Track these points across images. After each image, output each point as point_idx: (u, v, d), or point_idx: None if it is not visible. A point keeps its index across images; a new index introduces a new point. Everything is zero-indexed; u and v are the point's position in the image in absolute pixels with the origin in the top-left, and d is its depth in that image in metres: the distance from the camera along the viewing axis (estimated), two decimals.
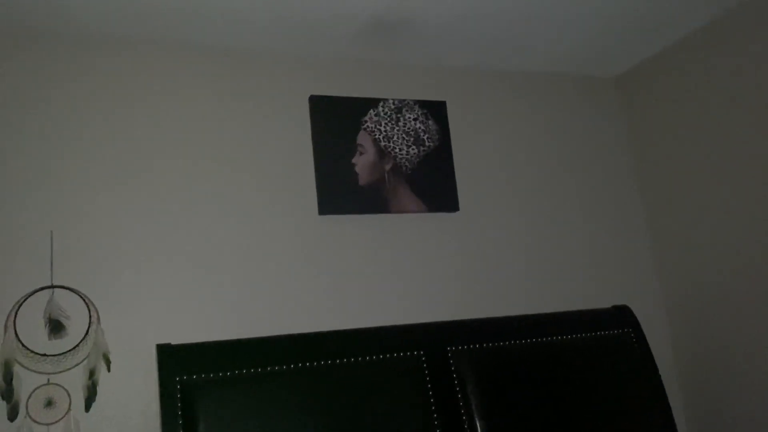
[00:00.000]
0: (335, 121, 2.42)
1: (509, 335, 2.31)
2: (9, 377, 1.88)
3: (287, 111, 2.43)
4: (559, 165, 2.81)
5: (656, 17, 2.47)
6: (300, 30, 2.32)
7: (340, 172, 2.39)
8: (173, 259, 2.16)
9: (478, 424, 2.11)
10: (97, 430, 1.95)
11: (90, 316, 2.01)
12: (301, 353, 2.04)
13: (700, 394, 2.64)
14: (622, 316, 2.52)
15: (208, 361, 1.95)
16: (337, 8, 2.19)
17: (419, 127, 2.53)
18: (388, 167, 2.46)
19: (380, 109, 2.49)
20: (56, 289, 1.99)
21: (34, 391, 1.91)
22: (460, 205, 2.56)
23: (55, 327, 1.97)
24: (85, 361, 1.98)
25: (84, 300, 2.01)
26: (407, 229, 2.48)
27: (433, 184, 2.51)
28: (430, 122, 2.56)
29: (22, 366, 1.91)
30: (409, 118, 2.53)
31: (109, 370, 2.00)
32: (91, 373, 1.97)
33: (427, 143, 2.53)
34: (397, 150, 2.48)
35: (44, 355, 1.94)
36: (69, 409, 1.93)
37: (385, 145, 2.47)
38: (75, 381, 1.96)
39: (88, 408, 1.95)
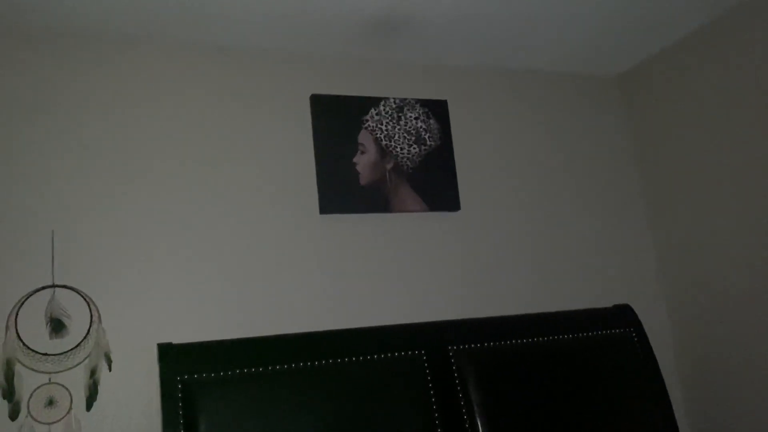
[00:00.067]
0: (336, 120, 2.42)
1: (510, 334, 2.31)
2: (10, 376, 1.89)
3: (288, 110, 2.42)
4: (561, 164, 2.81)
5: (657, 16, 2.47)
6: (301, 29, 2.32)
7: (341, 171, 2.39)
8: (174, 259, 2.16)
9: (479, 424, 2.10)
10: (98, 429, 1.96)
11: (91, 316, 2.01)
12: (302, 352, 2.04)
13: (702, 393, 2.64)
14: (623, 316, 2.52)
15: (209, 360, 1.95)
16: (339, 7, 2.19)
17: (420, 126, 2.53)
18: (389, 166, 2.46)
19: (381, 108, 2.49)
20: (57, 289, 2.00)
21: (35, 390, 1.91)
22: (462, 204, 2.56)
23: (57, 326, 1.98)
24: (86, 361, 1.98)
25: (85, 299, 2.01)
26: (408, 228, 2.48)
27: (434, 183, 2.50)
28: (432, 121, 2.56)
29: (24, 365, 1.92)
30: (411, 117, 2.52)
31: (110, 369, 2.00)
32: (92, 373, 1.97)
33: (428, 142, 2.53)
34: (398, 149, 2.48)
35: (45, 354, 1.94)
36: (70, 408, 1.93)
37: (386, 144, 2.46)
38: (76, 380, 1.96)
39: (89, 407, 1.96)
